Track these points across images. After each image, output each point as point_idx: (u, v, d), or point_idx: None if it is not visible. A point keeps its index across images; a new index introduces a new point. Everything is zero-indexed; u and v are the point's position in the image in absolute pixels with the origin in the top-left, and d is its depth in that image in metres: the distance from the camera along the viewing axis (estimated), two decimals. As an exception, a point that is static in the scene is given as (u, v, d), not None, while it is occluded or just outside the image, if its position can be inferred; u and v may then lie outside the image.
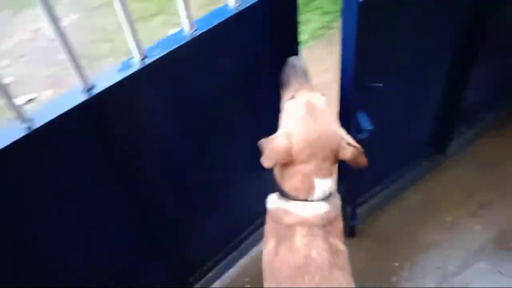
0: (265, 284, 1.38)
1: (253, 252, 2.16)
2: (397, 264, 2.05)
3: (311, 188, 1.26)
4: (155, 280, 1.78)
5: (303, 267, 1.22)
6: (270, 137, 1.27)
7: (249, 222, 2.13)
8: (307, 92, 1.33)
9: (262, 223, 2.11)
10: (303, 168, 1.24)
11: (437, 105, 2.17)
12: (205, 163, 1.65)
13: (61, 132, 1.12)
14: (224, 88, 1.50)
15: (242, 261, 2.13)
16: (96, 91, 1.14)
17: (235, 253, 2.13)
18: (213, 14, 1.34)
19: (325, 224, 1.26)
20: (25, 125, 1.06)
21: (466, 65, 2.02)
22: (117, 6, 1.09)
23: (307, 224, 1.25)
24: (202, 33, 1.27)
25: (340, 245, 1.30)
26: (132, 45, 1.17)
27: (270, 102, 1.48)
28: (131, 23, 1.13)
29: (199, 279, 2.02)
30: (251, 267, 2.11)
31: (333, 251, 1.25)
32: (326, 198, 1.29)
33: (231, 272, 2.11)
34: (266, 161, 1.26)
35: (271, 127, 1.34)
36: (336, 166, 1.33)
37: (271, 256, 1.32)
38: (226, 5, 1.36)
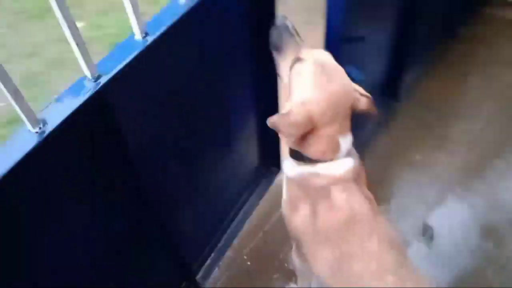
0: (307, 248, 1.37)
1: (245, 228, 2.16)
2: (382, 206, 2.17)
3: (336, 147, 1.24)
4: (160, 275, 1.72)
5: (350, 221, 1.22)
6: (283, 112, 1.19)
7: (233, 201, 2.13)
8: (309, 51, 1.24)
9: (245, 201, 2.18)
10: (326, 131, 1.20)
11: (389, 56, 2.34)
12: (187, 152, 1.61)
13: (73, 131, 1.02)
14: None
15: (236, 240, 2.13)
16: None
17: (229, 232, 2.12)
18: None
19: (355, 178, 1.29)
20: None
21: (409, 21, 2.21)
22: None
23: (340, 181, 1.24)
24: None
25: (369, 193, 1.33)
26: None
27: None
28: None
29: (202, 265, 1.98)
30: (247, 242, 2.11)
31: (368, 199, 1.28)
32: (349, 153, 1.29)
33: (230, 251, 2.09)
34: (287, 137, 1.23)
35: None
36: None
37: (308, 220, 1.29)
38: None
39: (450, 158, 2.34)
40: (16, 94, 0.88)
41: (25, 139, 0.93)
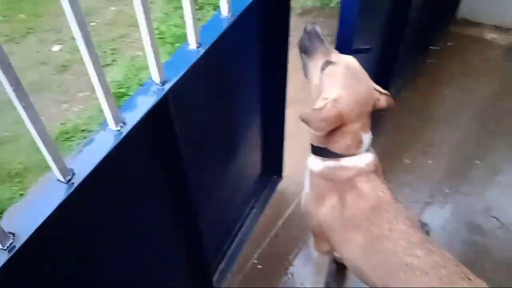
0: (336, 236, 1.47)
1: (253, 233, 2.23)
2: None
3: (360, 143, 1.39)
4: (180, 278, 1.76)
5: (377, 207, 1.35)
6: (316, 107, 1.33)
7: (241, 208, 2.22)
8: (339, 55, 1.41)
9: (252, 207, 2.27)
10: (352, 127, 1.35)
11: (378, 68, 2.53)
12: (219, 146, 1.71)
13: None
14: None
15: (246, 245, 2.19)
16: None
17: (238, 238, 2.18)
18: (210, 26, 1.36)
19: (376, 169, 1.43)
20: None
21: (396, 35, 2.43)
22: None
23: (364, 172, 1.39)
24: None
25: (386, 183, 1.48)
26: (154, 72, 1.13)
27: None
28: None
29: (216, 270, 2.03)
30: (256, 246, 2.18)
31: (388, 188, 1.43)
32: (368, 148, 1.45)
33: (241, 256, 2.15)
34: (318, 131, 1.34)
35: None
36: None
37: (336, 210, 1.41)
38: (219, 15, 1.38)
39: (436, 162, 2.54)
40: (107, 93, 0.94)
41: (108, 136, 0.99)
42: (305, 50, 1.47)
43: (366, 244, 1.38)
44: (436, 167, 2.52)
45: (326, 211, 1.46)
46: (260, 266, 2.13)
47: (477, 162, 2.53)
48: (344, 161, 1.41)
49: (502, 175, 2.47)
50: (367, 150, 1.44)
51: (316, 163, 1.47)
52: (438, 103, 2.91)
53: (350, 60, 1.40)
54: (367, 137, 1.41)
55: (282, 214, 2.31)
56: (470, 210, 2.32)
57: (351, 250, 1.44)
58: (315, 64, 1.43)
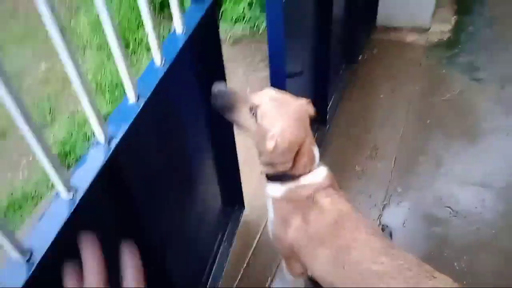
0: (305, 254, 1.51)
1: (227, 267, 2.22)
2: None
3: (313, 158, 1.48)
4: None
5: (339, 220, 1.43)
6: (269, 148, 1.37)
7: (209, 243, 2.22)
8: (256, 95, 1.45)
9: (220, 241, 2.26)
10: (305, 146, 1.44)
11: (314, 86, 2.65)
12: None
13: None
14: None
15: (221, 281, 2.18)
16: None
17: (212, 275, 2.17)
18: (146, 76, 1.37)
19: (331, 182, 1.50)
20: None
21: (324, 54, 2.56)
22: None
23: (322, 188, 1.47)
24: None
25: (344, 194, 1.55)
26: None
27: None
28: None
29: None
30: (232, 281, 2.18)
31: (346, 199, 1.50)
32: (319, 161, 1.52)
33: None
34: (285, 165, 1.42)
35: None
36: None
37: (302, 229, 1.47)
38: (153, 64, 1.39)
39: (384, 164, 2.67)
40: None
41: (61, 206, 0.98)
42: (225, 109, 1.48)
43: (333, 257, 1.43)
44: (385, 169, 2.64)
45: (293, 232, 1.51)
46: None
47: (421, 157, 2.69)
48: (303, 180, 1.47)
49: (445, 165, 2.63)
50: (319, 165, 1.52)
51: (277, 189, 1.52)
52: (375, 108, 3.07)
53: (269, 93, 1.46)
54: (316, 150, 1.50)
55: (251, 243, 2.33)
56: (424, 204, 2.46)
57: (320, 266, 1.48)
58: (242, 115, 1.45)
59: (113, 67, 3.74)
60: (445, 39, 3.61)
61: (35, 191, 2.79)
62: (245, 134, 1.50)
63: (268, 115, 1.40)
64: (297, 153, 1.42)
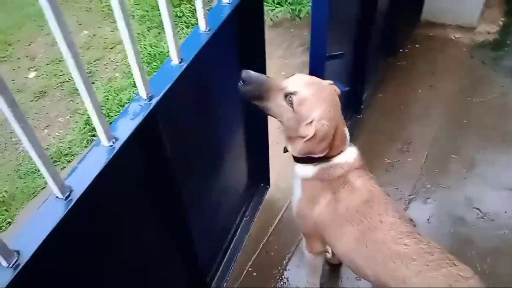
0: (331, 232, 1.53)
1: (246, 242, 2.26)
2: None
3: (345, 139, 1.48)
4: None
5: (369, 200, 1.44)
6: (306, 135, 1.37)
7: (231, 218, 2.25)
8: (288, 82, 1.43)
9: (242, 217, 2.30)
10: (339, 129, 1.45)
11: (351, 74, 2.63)
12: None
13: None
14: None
15: (240, 254, 2.21)
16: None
17: (232, 247, 2.21)
18: (190, 41, 1.38)
19: (362, 164, 1.50)
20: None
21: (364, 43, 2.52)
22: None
23: (354, 168, 1.48)
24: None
25: (373, 176, 1.55)
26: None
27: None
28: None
29: (213, 279, 2.05)
30: (250, 255, 2.21)
31: (376, 182, 1.50)
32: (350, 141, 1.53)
33: (236, 265, 2.18)
34: (323, 152, 1.41)
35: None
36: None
37: (331, 206, 1.48)
38: (198, 30, 1.41)
39: (415, 159, 2.63)
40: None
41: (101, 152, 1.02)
42: (256, 97, 1.45)
43: (359, 236, 1.44)
44: (415, 164, 2.60)
45: (321, 210, 1.52)
46: (255, 274, 2.16)
47: (454, 156, 2.63)
48: (336, 160, 1.48)
49: (478, 166, 2.57)
50: (349, 145, 1.52)
51: (308, 170, 1.52)
52: (411, 103, 3.02)
53: (302, 79, 1.45)
54: (347, 131, 1.51)
55: (272, 221, 2.35)
56: (452, 203, 2.41)
57: (346, 244, 1.49)
58: (276, 103, 1.43)
59: (153, 40, 3.80)
60: (491, 40, 3.49)
61: (69, 148, 2.88)
62: (278, 120, 1.49)
63: (306, 102, 1.39)
64: (335, 137, 1.43)
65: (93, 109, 0.97)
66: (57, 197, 0.92)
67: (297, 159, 1.54)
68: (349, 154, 1.49)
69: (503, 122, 2.84)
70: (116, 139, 1.06)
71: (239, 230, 2.26)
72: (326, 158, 1.46)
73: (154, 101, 1.17)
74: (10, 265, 0.80)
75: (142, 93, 1.16)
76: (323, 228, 1.55)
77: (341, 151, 1.48)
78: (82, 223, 0.98)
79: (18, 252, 0.82)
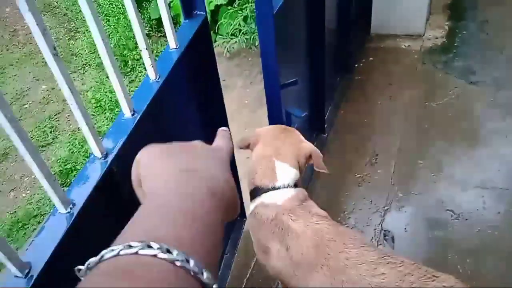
0: (295, 282, 1.43)
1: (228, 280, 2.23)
2: (344, 223, 2.40)
3: (274, 172, 1.51)
4: None
5: (321, 241, 1.37)
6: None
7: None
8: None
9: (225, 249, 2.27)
10: (265, 156, 1.53)
11: (310, 96, 2.68)
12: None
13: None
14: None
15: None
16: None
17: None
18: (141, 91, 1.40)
19: (301, 201, 1.48)
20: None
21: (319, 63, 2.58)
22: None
23: (286, 209, 1.43)
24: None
25: (322, 211, 1.50)
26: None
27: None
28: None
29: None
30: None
31: (323, 217, 1.46)
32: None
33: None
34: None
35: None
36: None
37: (284, 257, 1.41)
38: (148, 79, 1.42)
39: (384, 170, 2.68)
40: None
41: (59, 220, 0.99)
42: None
43: (329, 282, 1.36)
44: (385, 175, 2.65)
45: (274, 259, 1.45)
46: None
47: (420, 161, 2.69)
48: (265, 197, 1.45)
49: (445, 168, 2.64)
50: (290, 186, 1.47)
51: (250, 207, 1.52)
52: (373, 115, 3.10)
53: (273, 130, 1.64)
54: (285, 170, 1.48)
55: (253, 254, 2.32)
56: (425, 208, 2.45)
57: None
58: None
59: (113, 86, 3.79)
60: (439, 44, 3.64)
61: (38, 209, 2.81)
62: None
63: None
64: (260, 162, 1.48)
65: (44, 178, 0.96)
66: (15, 276, 0.89)
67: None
68: (280, 194, 1.44)
69: (462, 122, 2.94)
70: (74, 205, 1.04)
71: (221, 268, 2.22)
72: (259, 192, 1.46)
73: (110, 158, 1.16)
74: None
75: (96, 152, 1.15)
76: (283, 276, 1.46)
77: (271, 187, 1.45)
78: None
79: None
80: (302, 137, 1.60)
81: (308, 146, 1.57)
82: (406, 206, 2.47)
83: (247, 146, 1.56)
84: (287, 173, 1.47)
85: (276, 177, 1.46)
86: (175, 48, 1.57)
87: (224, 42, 3.96)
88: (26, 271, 0.90)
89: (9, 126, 0.85)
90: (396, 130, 2.93)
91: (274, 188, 1.45)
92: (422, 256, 2.20)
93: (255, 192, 1.47)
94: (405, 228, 2.36)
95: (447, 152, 2.74)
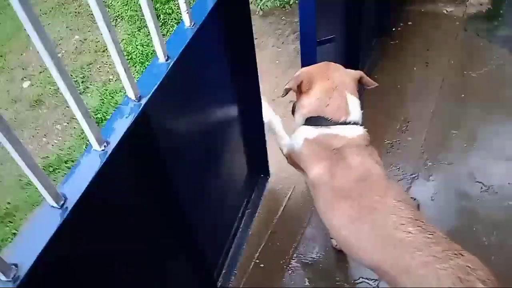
0: (323, 202, 1.52)
1: (251, 233, 2.26)
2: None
3: (347, 106, 1.60)
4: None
5: (367, 180, 1.43)
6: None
7: (234, 210, 2.25)
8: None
9: (245, 209, 2.30)
10: (337, 89, 1.60)
11: (345, 54, 2.60)
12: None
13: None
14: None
15: (245, 246, 2.21)
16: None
17: (237, 240, 2.22)
18: (175, 38, 1.39)
19: (367, 144, 1.55)
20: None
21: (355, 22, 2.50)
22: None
23: (354, 144, 1.51)
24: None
25: (380, 160, 1.55)
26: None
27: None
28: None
29: (220, 274, 2.06)
30: (256, 246, 2.22)
31: (380, 165, 1.50)
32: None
33: (242, 258, 2.18)
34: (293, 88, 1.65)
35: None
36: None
37: (326, 177, 1.48)
38: (182, 26, 1.40)
39: (415, 137, 2.62)
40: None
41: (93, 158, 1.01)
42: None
43: (354, 213, 1.42)
44: (416, 142, 2.59)
45: (316, 174, 1.52)
46: (262, 265, 2.16)
47: (454, 131, 2.61)
48: (335, 129, 1.52)
49: (478, 140, 2.55)
50: (358, 123, 1.56)
51: (310, 131, 1.57)
52: (407, 81, 3.00)
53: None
54: (355, 104, 1.58)
55: (275, 211, 2.35)
56: (454, 178, 2.40)
57: (338, 219, 1.47)
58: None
59: (144, 39, 3.78)
60: (484, 11, 3.45)
61: (69, 155, 2.89)
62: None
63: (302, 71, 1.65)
64: (330, 95, 1.52)
65: (81, 115, 0.96)
66: (52, 206, 0.92)
67: (305, 122, 1.63)
68: (352, 130, 1.51)
69: (501, 93, 2.81)
70: (108, 143, 1.05)
71: (242, 223, 2.26)
72: (326, 123, 1.51)
73: (144, 101, 1.16)
74: (10, 279, 0.80)
75: (131, 94, 1.15)
76: (314, 194, 1.56)
77: (343, 121, 1.50)
78: (79, 230, 0.98)
79: (16, 265, 0.82)
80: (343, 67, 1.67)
81: (355, 72, 1.67)
82: (435, 175, 2.42)
83: (299, 86, 1.57)
84: (357, 108, 1.56)
85: (349, 112, 1.53)
86: (211, -4, 1.53)
87: (258, 0, 3.87)
88: (62, 202, 0.92)
89: (52, 64, 0.86)
90: (431, 98, 2.83)
91: (345, 123, 1.51)
92: (448, 226, 2.16)
93: (320, 121, 1.53)
94: (432, 197, 2.33)
95: (482, 123, 2.64)
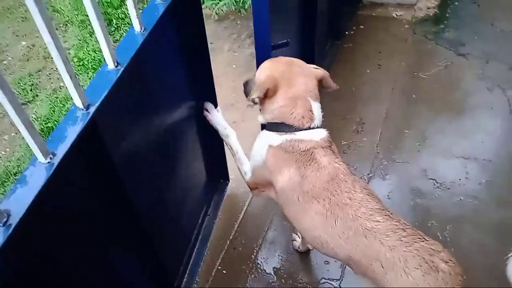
0: (293, 207, 1.53)
1: (211, 239, 2.23)
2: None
3: (311, 113, 1.57)
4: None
5: (335, 178, 1.46)
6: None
7: (195, 217, 2.22)
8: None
9: (205, 214, 2.27)
10: (299, 97, 1.57)
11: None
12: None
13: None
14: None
15: (207, 253, 2.19)
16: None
17: (198, 246, 2.18)
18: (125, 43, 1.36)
19: (330, 145, 1.57)
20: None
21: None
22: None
23: (320, 146, 1.52)
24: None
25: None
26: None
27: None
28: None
29: (181, 281, 2.01)
30: (217, 252, 2.19)
31: (343, 162, 1.55)
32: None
33: (204, 264, 2.15)
34: (256, 98, 1.59)
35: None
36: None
37: (294, 182, 1.50)
38: (132, 31, 1.37)
39: (370, 138, 2.68)
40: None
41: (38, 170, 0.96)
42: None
43: (325, 212, 1.45)
44: (371, 143, 2.65)
45: (284, 182, 1.53)
46: (225, 271, 2.13)
47: (406, 131, 2.70)
48: (301, 134, 1.52)
49: (430, 138, 2.65)
50: (320, 127, 1.58)
51: (274, 138, 1.57)
52: (361, 83, 3.07)
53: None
54: (317, 110, 1.58)
55: (237, 216, 2.33)
56: (409, 176, 2.48)
57: (310, 219, 1.50)
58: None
59: (96, 45, 3.66)
60: (431, 15, 3.60)
61: (18, 167, 2.75)
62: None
63: (260, 68, 1.63)
64: (294, 105, 1.52)
65: (23, 125, 0.91)
66: (-9, 222, 0.86)
67: (265, 127, 1.63)
68: (316, 133, 1.53)
69: (449, 93, 2.94)
70: (54, 155, 1.00)
71: (202, 229, 2.23)
72: (290, 130, 1.52)
73: (92, 109, 1.12)
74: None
75: (78, 103, 1.10)
76: (284, 201, 1.57)
77: (308, 127, 1.52)
78: (24, 247, 0.92)
79: None
80: (305, 63, 1.66)
81: (319, 71, 1.66)
82: (390, 174, 2.49)
83: (266, 95, 1.55)
84: (319, 112, 1.57)
85: (314, 118, 1.54)
86: (162, 1, 1.50)
87: (212, 3, 3.85)
88: (4, 220, 0.87)
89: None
90: (384, 99, 2.92)
91: (309, 128, 1.53)
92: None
93: (284, 128, 1.54)
94: (388, 196, 2.39)
95: (433, 122, 2.75)
